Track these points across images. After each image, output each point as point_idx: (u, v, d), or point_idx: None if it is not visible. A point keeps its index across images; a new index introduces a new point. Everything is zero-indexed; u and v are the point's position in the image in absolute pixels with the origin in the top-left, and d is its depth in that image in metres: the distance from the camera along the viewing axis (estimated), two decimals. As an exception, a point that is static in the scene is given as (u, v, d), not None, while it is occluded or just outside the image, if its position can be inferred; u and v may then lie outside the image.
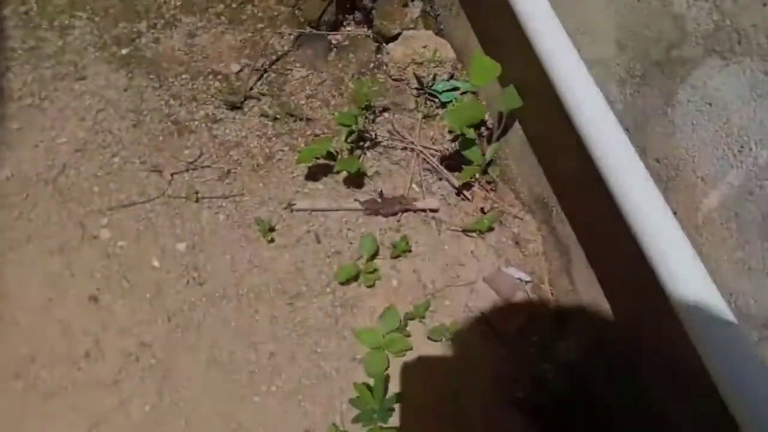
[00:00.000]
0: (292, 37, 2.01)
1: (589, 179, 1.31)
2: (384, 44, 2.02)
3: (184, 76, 1.80)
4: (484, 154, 1.66)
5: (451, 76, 1.91)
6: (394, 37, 1.97)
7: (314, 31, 2.03)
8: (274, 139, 1.73)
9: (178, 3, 1.97)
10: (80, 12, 1.84)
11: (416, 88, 1.88)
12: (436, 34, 2.04)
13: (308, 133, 1.77)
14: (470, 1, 1.88)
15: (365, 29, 2.08)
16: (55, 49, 1.75)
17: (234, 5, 2.03)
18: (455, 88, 1.86)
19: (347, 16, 2.11)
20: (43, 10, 1.81)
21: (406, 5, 2.00)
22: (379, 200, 1.62)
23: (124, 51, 1.80)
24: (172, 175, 1.58)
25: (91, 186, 1.51)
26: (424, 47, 1.83)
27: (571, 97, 1.34)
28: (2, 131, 1.56)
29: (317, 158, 1.59)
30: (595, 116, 1.31)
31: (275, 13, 2.07)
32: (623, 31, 1.30)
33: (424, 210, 1.64)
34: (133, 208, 1.50)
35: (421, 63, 1.84)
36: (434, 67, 1.85)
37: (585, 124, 1.31)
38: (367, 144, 1.73)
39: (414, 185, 1.70)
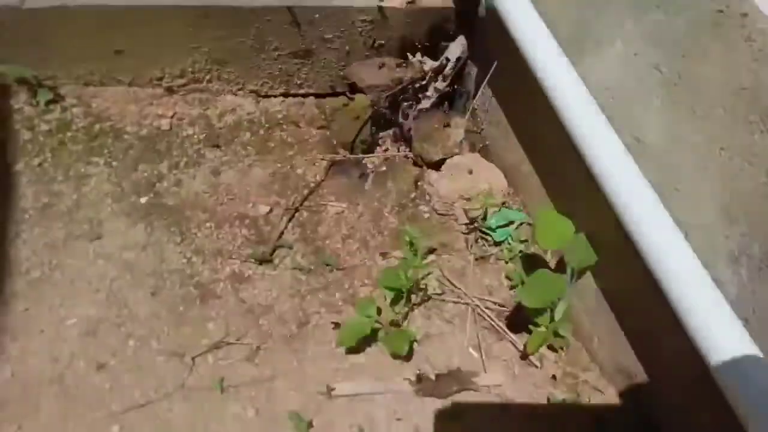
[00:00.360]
0: (324, 163, 1.73)
1: (694, 365, 0.96)
2: (425, 168, 1.71)
3: (207, 225, 1.52)
4: (552, 313, 1.32)
5: (503, 204, 1.59)
6: (437, 163, 1.66)
7: (349, 155, 1.75)
8: (308, 297, 1.42)
9: (202, 136, 1.71)
10: (97, 158, 1.59)
11: (465, 224, 1.56)
12: (480, 151, 1.73)
13: (347, 286, 1.46)
14: (520, 120, 1.56)
15: (403, 147, 1.79)
16: (70, 205, 1.49)
17: (261, 131, 1.76)
18: (509, 222, 1.53)
19: (383, 133, 1.83)
20: (58, 160, 1.57)
21: (447, 125, 1.70)
22: (433, 378, 1.29)
23: (143, 199, 1.54)
24: (193, 359, 1.28)
25: (102, 382, 1.23)
26: (472, 186, 1.51)
27: (663, 268, 1.00)
28: (8, 316, 1.29)
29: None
30: (698, 300, 0.96)
31: (305, 137, 1.79)
32: (732, 197, 0.95)
33: (486, 385, 1.30)
34: (149, 407, 1.21)
35: (470, 198, 1.52)
36: (484, 198, 1.54)
37: (687, 306, 0.97)
38: (415, 299, 1.41)
39: (471, 349, 1.37)
